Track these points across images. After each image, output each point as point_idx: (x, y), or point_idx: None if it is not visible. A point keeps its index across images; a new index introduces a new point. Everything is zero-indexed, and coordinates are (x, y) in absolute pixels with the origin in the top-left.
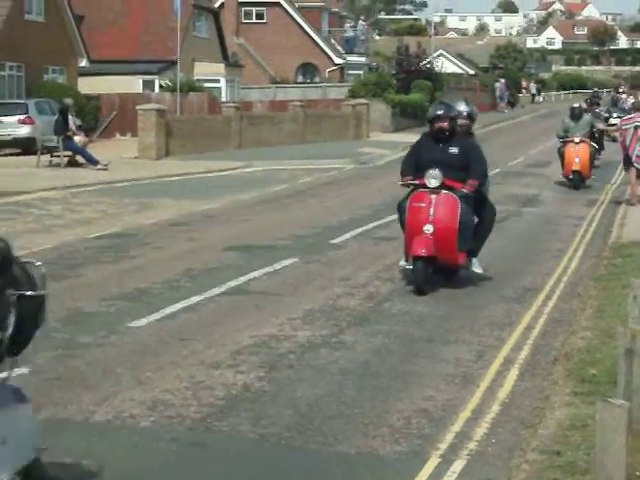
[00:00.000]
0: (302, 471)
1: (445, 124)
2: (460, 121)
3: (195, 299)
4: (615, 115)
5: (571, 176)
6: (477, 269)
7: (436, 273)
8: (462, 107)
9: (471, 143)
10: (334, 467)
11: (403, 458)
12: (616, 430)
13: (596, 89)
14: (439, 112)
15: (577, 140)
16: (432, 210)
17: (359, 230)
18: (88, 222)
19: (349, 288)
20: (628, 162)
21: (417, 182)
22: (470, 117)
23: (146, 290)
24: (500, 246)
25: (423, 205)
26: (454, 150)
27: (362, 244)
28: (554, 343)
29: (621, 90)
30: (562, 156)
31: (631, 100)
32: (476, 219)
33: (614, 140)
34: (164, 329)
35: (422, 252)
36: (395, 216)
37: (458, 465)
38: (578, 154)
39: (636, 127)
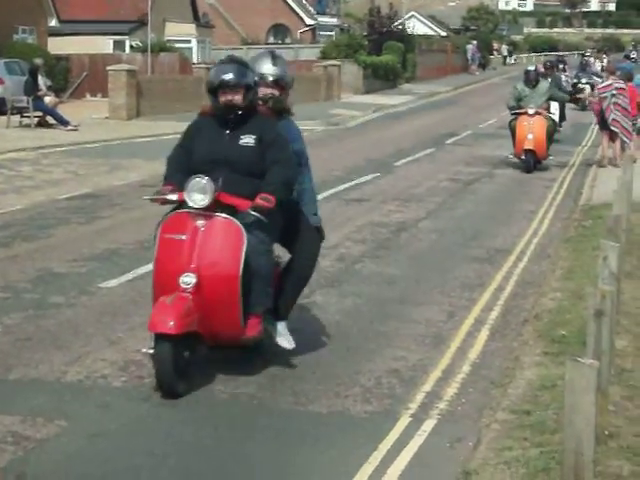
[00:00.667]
0: (274, 430)
1: (237, 97)
2: (263, 90)
3: None
4: (584, 81)
5: (523, 156)
6: (285, 341)
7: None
8: (266, 67)
9: (275, 129)
10: (306, 426)
11: (374, 417)
12: (585, 390)
13: (562, 53)
14: (227, 76)
15: (531, 112)
16: (197, 248)
17: (330, 192)
18: (58, 183)
19: (320, 249)
20: (602, 125)
21: (174, 198)
22: (279, 84)
23: (117, 251)
24: (471, 208)
25: (182, 238)
26: (248, 140)
27: (333, 205)
28: (524, 304)
29: (588, 54)
30: (513, 131)
31: (599, 64)
32: (283, 257)
33: (583, 109)
34: (135, 289)
35: (169, 328)
36: (366, 178)
37: (429, 424)
38: (532, 129)
39: (612, 94)
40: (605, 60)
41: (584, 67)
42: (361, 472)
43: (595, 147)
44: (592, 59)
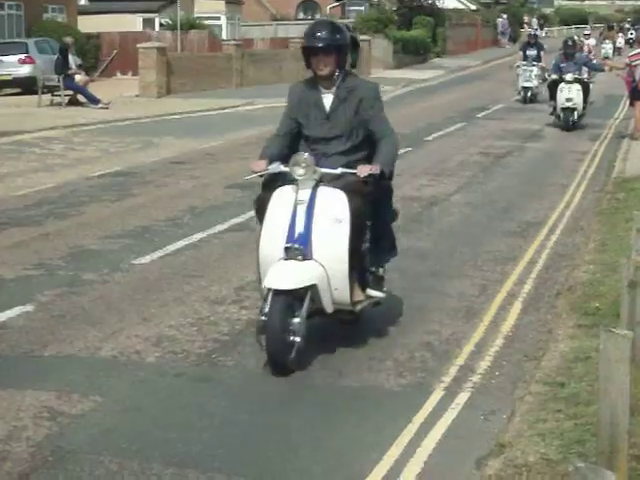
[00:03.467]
0: (307, 404)
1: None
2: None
3: (198, 236)
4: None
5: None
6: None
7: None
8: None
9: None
10: (339, 401)
11: (408, 391)
12: (620, 360)
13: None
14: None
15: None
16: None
17: None
18: (90, 161)
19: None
20: (633, 96)
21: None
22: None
23: (149, 228)
24: (502, 181)
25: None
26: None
27: None
28: (558, 277)
29: (587, 32)
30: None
31: (609, 45)
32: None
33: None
34: (167, 266)
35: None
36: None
37: (462, 397)
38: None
39: None
40: (620, 39)
41: (569, 55)
42: (396, 445)
43: (627, 119)
44: (591, 41)
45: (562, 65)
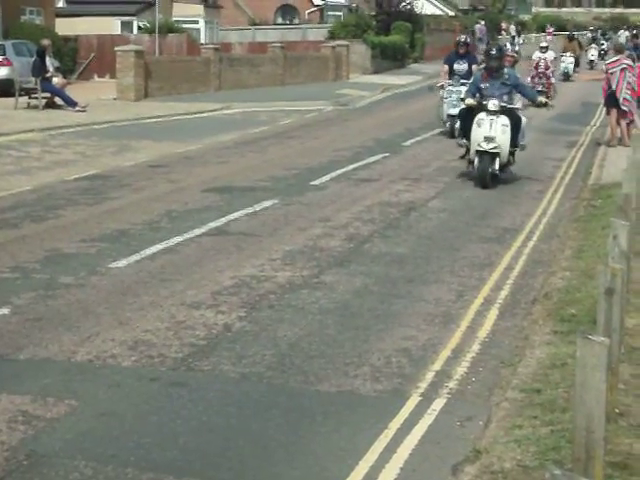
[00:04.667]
0: (283, 409)
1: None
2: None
3: (175, 240)
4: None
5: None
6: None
7: None
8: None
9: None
10: (315, 406)
11: (384, 397)
12: (596, 367)
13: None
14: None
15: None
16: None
17: (339, 172)
18: (67, 164)
19: (329, 229)
20: (609, 104)
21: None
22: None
23: (126, 231)
24: (480, 188)
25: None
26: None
27: (342, 185)
28: (534, 283)
29: (544, 45)
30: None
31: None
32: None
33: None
34: (144, 270)
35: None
36: (375, 158)
37: (439, 403)
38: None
39: (622, 69)
40: (593, 51)
41: (494, 70)
42: (371, 451)
43: (604, 127)
44: (548, 54)
45: (482, 86)
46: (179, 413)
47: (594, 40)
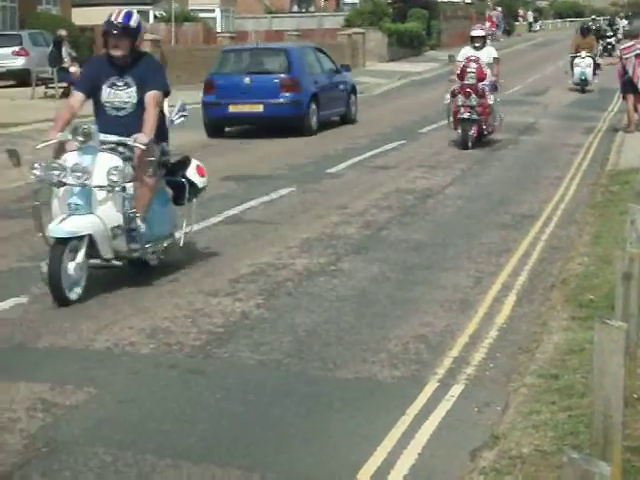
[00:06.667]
0: (301, 396)
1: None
2: None
3: (193, 228)
4: None
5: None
6: None
7: None
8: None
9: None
10: (333, 392)
11: (402, 383)
12: (614, 351)
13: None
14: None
15: (583, 55)
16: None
17: (356, 159)
18: None
19: (346, 216)
20: (626, 89)
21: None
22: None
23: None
24: (497, 174)
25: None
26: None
27: (359, 173)
28: (552, 269)
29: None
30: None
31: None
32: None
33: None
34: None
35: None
36: (391, 145)
37: (456, 389)
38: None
39: (637, 55)
40: (599, 47)
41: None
42: (389, 437)
43: (621, 112)
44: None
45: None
46: (197, 400)
47: (597, 31)
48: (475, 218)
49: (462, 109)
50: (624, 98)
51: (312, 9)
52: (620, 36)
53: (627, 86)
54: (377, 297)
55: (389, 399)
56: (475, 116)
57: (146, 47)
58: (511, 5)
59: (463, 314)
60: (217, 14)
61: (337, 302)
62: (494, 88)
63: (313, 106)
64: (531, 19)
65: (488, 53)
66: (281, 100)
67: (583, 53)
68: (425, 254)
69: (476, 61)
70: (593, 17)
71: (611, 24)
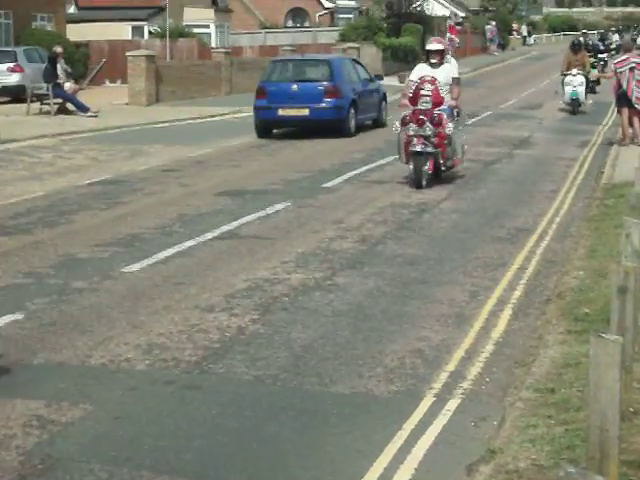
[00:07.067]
0: (297, 411)
1: None
2: None
3: (188, 244)
4: None
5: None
6: None
7: None
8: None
9: None
10: (329, 407)
11: (398, 398)
12: (610, 365)
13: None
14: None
15: (574, 72)
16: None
17: (351, 174)
18: (79, 169)
19: (342, 231)
20: (620, 103)
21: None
22: None
23: (139, 236)
24: (492, 188)
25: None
26: None
27: (354, 187)
28: (547, 283)
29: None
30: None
31: None
32: None
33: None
34: (158, 274)
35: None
36: (387, 159)
37: (453, 404)
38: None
39: (631, 68)
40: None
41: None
42: (385, 452)
43: (616, 126)
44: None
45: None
46: (193, 416)
47: (587, 46)
48: (470, 232)
49: (414, 140)
50: (619, 112)
51: (307, 24)
52: (613, 51)
53: (622, 100)
54: (373, 312)
55: (385, 414)
56: (430, 149)
57: (141, 63)
58: (505, 19)
59: (459, 328)
60: (212, 30)
61: (333, 317)
62: (455, 115)
63: (352, 111)
64: (525, 33)
65: (447, 72)
66: (325, 105)
67: (574, 71)
68: (421, 268)
69: (432, 82)
70: (584, 31)
71: (603, 39)
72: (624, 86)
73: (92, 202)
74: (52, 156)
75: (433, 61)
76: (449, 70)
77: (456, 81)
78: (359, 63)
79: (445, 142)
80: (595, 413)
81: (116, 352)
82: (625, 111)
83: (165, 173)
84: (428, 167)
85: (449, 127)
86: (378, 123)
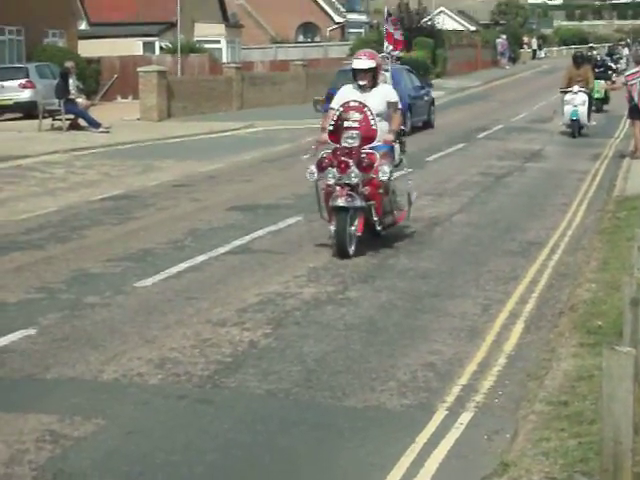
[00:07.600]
0: (310, 426)
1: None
2: None
3: (200, 258)
4: None
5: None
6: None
7: None
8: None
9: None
10: (342, 421)
11: (410, 411)
12: (623, 377)
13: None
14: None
15: (575, 90)
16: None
17: None
18: (91, 184)
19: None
20: (633, 115)
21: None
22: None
23: (151, 250)
24: (504, 201)
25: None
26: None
27: None
28: (560, 296)
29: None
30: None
31: None
32: None
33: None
34: (170, 288)
35: None
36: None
37: (465, 417)
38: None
39: None
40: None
41: None
42: (398, 465)
43: (628, 139)
44: None
45: None
46: (206, 430)
47: (590, 60)
48: (482, 245)
49: (337, 191)
50: (632, 124)
51: (317, 39)
52: (623, 66)
53: (634, 112)
54: (385, 325)
55: (398, 427)
56: (358, 202)
57: (153, 78)
58: (516, 33)
59: (471, 342)
60: (223, 45)
61: (345, 331)
62: (395, 152)
63: (408, 114)
64: (535, 46)
65: (382, 96)
66: None
67: (576, 87)
68: (433, 282)
69: (360, 109)
70: (590, 45)
71: (611, 53)
72: (635, 98)
73: (104, 217)
74: (64, 172)
75: (362, 83)
76: (384, 94)
77: (394, 105)
78: (412, 72)
79: (380, 191)
80: (608, 425)
81: (128, 367)
82: (637, 123)
83: (177, 188)
84: (357, 227)
85: (383, 171)
86: (428, 125)
